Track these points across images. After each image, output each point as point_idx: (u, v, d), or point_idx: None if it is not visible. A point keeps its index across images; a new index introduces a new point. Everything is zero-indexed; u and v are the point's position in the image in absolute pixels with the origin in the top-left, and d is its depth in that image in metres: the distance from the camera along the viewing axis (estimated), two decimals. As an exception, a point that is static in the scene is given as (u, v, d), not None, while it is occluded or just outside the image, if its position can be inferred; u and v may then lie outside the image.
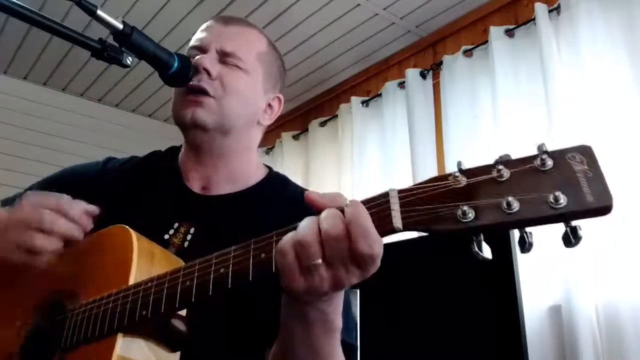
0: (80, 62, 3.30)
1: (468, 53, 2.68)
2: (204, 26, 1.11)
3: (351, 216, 0.59)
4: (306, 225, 0.60)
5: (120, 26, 0.89)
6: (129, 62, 0.92)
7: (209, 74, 1.02)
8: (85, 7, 0.85)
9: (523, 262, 1.84)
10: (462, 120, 2.57)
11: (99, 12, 0.86)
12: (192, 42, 1.09)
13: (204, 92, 1.01)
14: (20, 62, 3.34)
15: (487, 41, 2.56)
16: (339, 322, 0.72)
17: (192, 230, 0.99)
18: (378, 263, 0.60)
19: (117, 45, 0.90)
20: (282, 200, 1.03)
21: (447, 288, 1.96)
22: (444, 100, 2.70)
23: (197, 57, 1.04)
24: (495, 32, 2.51)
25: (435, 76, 2.86)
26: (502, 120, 2.34)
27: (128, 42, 0.90)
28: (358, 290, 2.07)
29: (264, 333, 0.83)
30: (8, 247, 0.84)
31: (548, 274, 2.08)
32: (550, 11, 2.34)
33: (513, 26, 2.52)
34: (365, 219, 0.58)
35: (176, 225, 1.01)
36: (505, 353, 1.76)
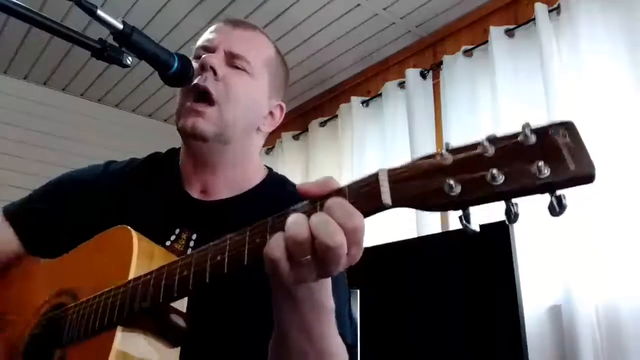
0: (80, 62, 3.30)
1: (468, 53, 2.68)
2: (212, 27, 1.10)
3: (338, 213, 0.59)
4: (296, 222, 0.60)
5: (120, 26, 0.88)
6: (129, 62, 0.92)
7: (215, 73, 1.01)
8: (85, 7, 0.85)
9: (523, 262, 1.83)
10: (462, 120, 2.57)
11: (99, 12, 0.86)
12: (200, 42, 1.09)
13: (207, 97, 1.00)
14: (20, 62, 3.34)
15: (487, 41, 2.56)
16: (328, 303, 0.71)
17: (194, 237, 1.00)
18: (362, 244, 0.60)
19: (117, 45, 0.90)
20: (280, 200, 1.03)
21: (447, 288, 1.96)
22: (444, 100, 2.70)
23: (204, 55, 1.03)
24: (495, 32, 2.51)
25: (435, 76, 2.86)
26: (502, 120, 2.34)
27: (128, 42, 0.90)
28: (358, 290, 2.07)
29: (264, 329, 0.83)
30: None
31: (548, 274, 2.08)
32: (550, 11, 2.35)
33: (513, 26, 2.52)
34: (348, 209, 0.59)
35: (177, 231, 1.01)
36: (505, 353, 1.76)
